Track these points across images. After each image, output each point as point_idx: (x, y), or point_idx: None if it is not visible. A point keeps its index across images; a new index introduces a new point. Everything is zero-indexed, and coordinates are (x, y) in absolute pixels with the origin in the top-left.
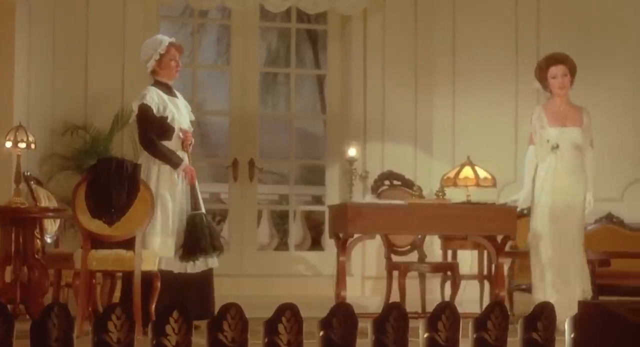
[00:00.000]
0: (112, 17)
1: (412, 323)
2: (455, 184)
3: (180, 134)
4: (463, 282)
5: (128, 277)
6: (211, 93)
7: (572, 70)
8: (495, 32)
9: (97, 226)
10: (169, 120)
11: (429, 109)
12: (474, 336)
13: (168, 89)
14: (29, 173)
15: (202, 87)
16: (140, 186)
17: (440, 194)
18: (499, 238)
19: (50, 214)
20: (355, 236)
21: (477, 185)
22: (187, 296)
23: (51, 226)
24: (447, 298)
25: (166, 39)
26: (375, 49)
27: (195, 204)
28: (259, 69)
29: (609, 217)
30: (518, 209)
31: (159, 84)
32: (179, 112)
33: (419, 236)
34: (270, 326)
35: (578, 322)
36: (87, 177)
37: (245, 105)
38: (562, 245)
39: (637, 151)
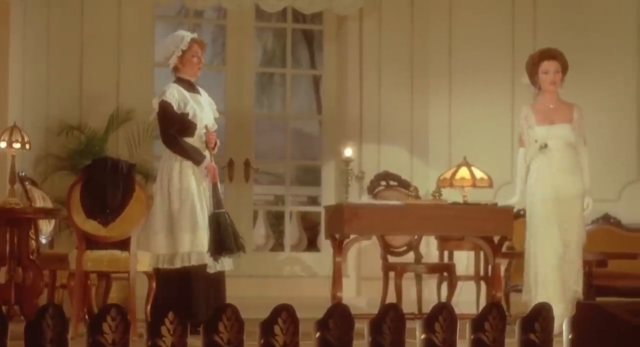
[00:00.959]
0: (107, 16)
1: (408, 324)
2: (451, 185)
3: (204, 136)
4: (459, 283)
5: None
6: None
7: (565, 68)
8: (491, 33)
9: (92, 227)
10: (190, 117)
11: (425, 109)
12: (472, 337)
13: (190, 86)
14: (23, 173)
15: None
16: (136, 186)
17: (436, 194)
18: (496, 239)
19: (45, 214)
20: (352, 236)
21: (474, 185)
22: (210, 295)
23: (46, 227)
24: (443, 299)
25: (188, 35)
26: (371, 49)
27: (217, 203)
28: (255, 69)
29: (606, 218)
30: (514, 210)
31: (180, 81)
32: (202, 109)
33: (416, 237)
34: (266, 327)
35: (575, 323)
36: (82, 178)
37: (240, 105)
38: (555, 247)
39: (634, 151)
